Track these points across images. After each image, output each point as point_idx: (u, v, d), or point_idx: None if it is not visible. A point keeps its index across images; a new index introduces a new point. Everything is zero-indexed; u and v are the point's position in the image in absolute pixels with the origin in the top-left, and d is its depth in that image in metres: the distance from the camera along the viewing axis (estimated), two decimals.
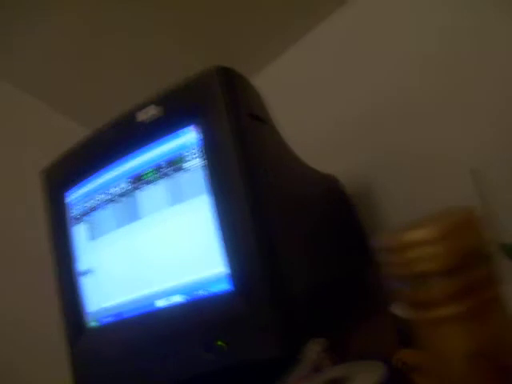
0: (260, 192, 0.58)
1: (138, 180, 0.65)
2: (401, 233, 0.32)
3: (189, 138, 0.61)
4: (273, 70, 0.86)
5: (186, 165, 0.61)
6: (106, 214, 0.69)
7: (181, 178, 0.62)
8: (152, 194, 0.64)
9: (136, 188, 0.65)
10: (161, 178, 0.63)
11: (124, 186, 0.67)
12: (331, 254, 0.71)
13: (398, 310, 0.56)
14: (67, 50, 1.00)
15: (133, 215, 0.65)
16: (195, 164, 0.61)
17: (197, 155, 0.61)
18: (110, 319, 0.69)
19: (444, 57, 0.74)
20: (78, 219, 0.72)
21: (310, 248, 0.66)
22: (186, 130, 0.62)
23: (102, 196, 0.69)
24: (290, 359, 0.67)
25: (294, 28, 0.83)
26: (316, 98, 0.91)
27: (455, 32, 0.73)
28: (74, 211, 0.73)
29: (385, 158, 0.82)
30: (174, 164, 0.62)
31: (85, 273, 0.71)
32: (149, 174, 0.64)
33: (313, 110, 0.90)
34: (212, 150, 0.59)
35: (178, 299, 0.61)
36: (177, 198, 0.62)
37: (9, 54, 1.04)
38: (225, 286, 0.58)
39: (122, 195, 0.67)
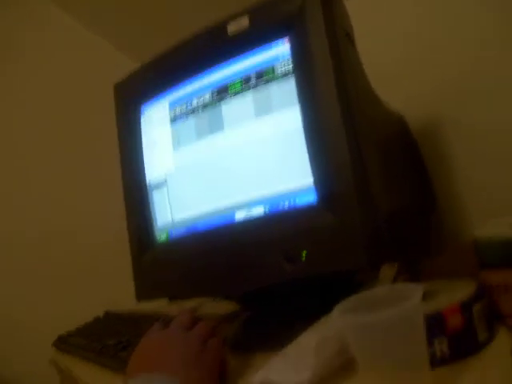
0: (352, 106, 0.58)
1: (224, 91, 0.64)
2: None
3: (281, 49, 0.61)
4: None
5: (276, 76, 0.61)
6: (186, 125, 0.68)
7: (270, 89, 0.61)
8: (238, 105, 0.63)
9: (221, 99, 0.65)
10: (249, 89, 0.62)
11: (208, 97, 0.66)
12: (405, 186, 0.71)
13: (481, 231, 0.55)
14: None
15: (216, 126, 0.65)
16: (286, 76, 0.60)
17: (289, 67, 0.60)
18: (182, 231, 0.69)
19: None
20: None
21: (388, 174, 0.65)
22: (279, 41, 0.61)
23: (183, 107, 0.69)
24: (358, 282, 0.68)
25: None
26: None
27: None
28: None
29: (454, 90, 0.78)
30: (263, 75, 0.62)
31: (158, 185, 0.72)
32: (236, 86, 0.63)
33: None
34: (307, 62, 0.58)
35: (259, 211, 0.61)
36: (265, 109, 0.61)
37: None
38: (311, 198, 0.58)
39: (205, 106, 0.66)
